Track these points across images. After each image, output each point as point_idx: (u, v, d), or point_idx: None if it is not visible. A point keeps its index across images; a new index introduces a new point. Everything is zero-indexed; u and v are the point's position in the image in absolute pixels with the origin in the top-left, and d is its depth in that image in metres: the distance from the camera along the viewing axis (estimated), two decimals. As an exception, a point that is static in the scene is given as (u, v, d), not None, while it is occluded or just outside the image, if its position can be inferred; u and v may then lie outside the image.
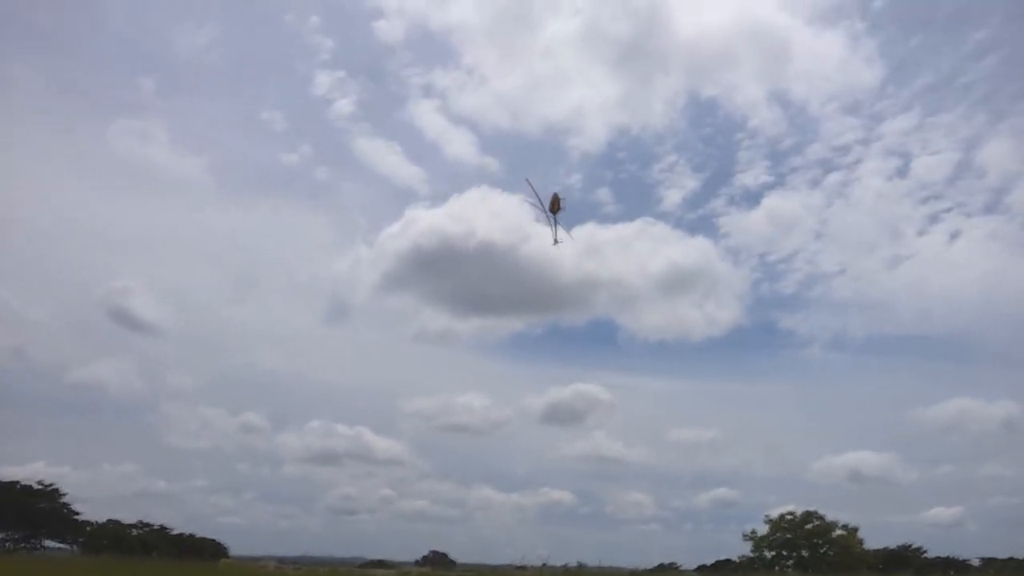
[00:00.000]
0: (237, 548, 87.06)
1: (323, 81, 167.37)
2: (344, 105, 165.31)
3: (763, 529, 67.26)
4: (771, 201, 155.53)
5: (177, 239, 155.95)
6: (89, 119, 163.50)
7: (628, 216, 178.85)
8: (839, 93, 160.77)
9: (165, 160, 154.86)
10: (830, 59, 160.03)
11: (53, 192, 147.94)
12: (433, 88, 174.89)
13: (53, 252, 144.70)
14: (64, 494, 73.87)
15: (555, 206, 29.60)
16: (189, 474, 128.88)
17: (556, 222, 29.84)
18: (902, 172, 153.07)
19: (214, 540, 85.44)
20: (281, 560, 77.35)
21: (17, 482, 72.62)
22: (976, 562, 70.67)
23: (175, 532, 79.98)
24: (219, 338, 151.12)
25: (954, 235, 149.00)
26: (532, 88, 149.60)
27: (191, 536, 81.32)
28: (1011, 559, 65.58)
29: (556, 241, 30.65)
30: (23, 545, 71.72)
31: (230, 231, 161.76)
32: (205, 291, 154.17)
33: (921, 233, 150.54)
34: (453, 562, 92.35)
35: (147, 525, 79.10)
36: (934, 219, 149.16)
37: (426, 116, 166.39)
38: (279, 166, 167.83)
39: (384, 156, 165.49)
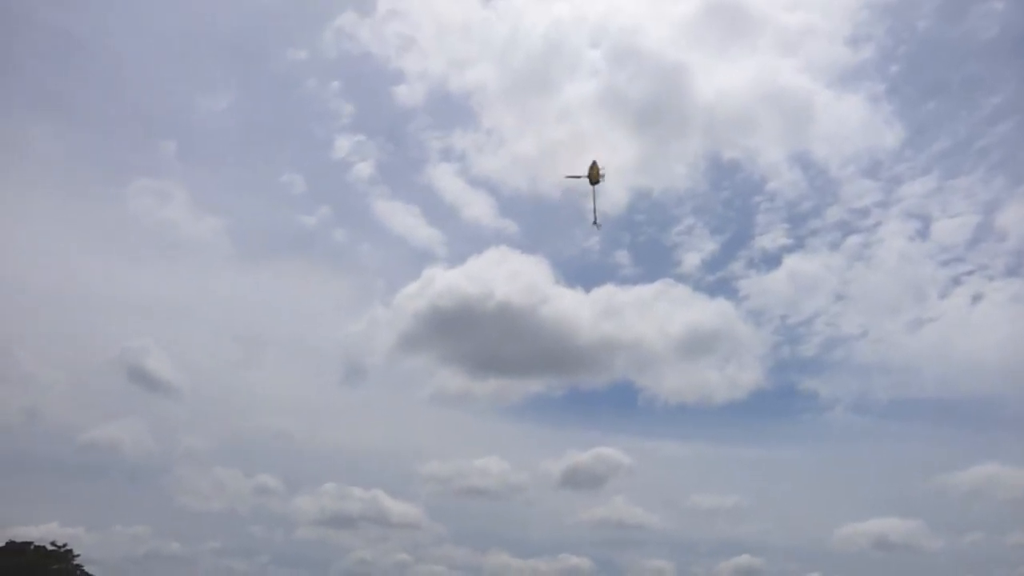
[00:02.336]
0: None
1: (343, 145, 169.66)
2: (363, 168, 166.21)
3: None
4: (791, 263, 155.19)
5: (194, 300, 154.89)
6: (107, 182, 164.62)
7: (647, 278, 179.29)
8: (859, 155, 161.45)
9: (183, 222, 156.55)
10: (850, 121, 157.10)
11: (70, 253, 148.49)
12: (452, 151, 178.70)
13: (69, 312, 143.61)
14: (77, 555, 74.10)
15: (594, 174, 29.71)
16: (202, 536, 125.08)
17: (595, 197, 29.75)
18: (923, 234, 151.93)
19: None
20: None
21: (31, 543, 72.54)
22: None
23: (187, 597, 78.89)
24: (235, 399, 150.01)
25: (976, 298, 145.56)
26: (550, 150, 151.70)
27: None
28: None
29: (596, 222, 30.55)
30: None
31: (247, 292, 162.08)
32: (221, 352, 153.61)
33: (943, 296, 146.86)
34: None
35: (159, 589, 78.21)
36: (956, 282, 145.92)
37: (445, 178, 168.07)
38: (297, 228, 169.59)
39: (402, 218, 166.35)
